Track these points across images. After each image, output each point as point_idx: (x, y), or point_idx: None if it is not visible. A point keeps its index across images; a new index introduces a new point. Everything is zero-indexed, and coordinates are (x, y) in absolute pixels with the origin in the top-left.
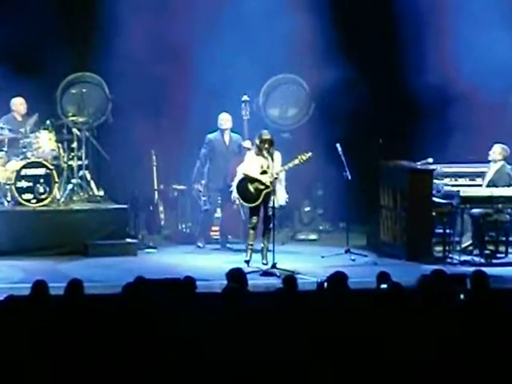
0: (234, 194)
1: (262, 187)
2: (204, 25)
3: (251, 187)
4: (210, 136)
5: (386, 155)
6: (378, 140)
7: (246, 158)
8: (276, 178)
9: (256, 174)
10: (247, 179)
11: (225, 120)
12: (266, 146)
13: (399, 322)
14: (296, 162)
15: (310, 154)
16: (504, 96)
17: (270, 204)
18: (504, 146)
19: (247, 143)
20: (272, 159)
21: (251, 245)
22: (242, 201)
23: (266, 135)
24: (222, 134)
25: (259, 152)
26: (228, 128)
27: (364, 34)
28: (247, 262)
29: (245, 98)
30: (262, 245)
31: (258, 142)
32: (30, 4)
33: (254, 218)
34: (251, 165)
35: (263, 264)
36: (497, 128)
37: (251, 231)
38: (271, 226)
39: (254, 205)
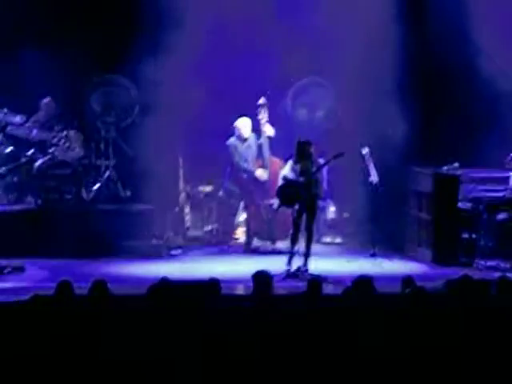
0: (276, 200)
1: (301, 191)
2: (222, 31)
3: (290, 190)
4: (231, 140)
5: (413, 159)
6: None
7: (286, 165)
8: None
9: (294, 177)
10: (287, 184)
11: (245, 127)
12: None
13: (425, 327)
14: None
15: (343, 152)
16: None
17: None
18: None
19: (267, 128)
20: (311, 162)
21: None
22: (281, 204)
23: (303, 139)
24: (241, 138)
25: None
26: (248, 135)
27: None
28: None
29: (261, 101)
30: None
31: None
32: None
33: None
34: (290, 168)
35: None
36: None
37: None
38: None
39: (293, 206)
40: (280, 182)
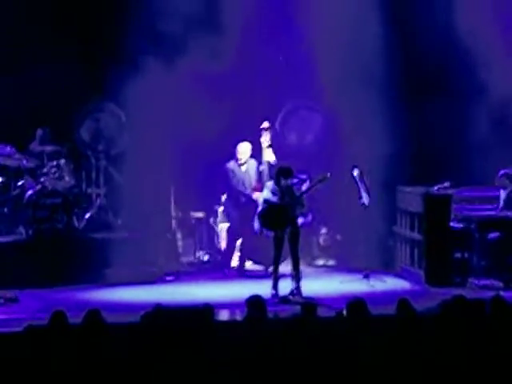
0: (256, 224)
1: (284, 214)
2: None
3: (273, 214)
4: (230, 164)
5: (403, 180)
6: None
7: (265, 186)
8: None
9: (276, 201)
10: (269, 207)
11: (243, 152)
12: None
13: (420, 349)
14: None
15: (328, 174)
16: None
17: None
18: (508, 171)
19: (268, 153)
20: (287, 186)
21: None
22: (264, 229)
23: (285, 165)
24: (240, 164)
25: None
26: (244, 160)
27: None
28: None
29: (265, 124)
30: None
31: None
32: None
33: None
34: (270, 191)
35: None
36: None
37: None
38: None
39: (278, 231)
40: (261, 205)
